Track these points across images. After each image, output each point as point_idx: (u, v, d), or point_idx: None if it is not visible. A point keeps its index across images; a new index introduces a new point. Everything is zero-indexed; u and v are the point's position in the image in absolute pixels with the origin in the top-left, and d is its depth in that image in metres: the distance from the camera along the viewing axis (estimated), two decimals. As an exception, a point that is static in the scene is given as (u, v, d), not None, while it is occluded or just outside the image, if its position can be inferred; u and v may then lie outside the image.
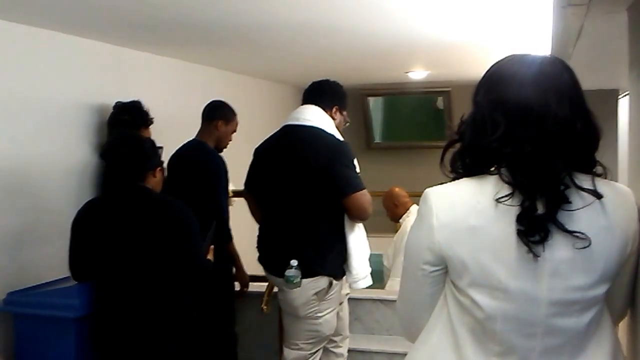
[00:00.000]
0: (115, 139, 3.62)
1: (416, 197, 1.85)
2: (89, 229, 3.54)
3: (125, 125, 4.47)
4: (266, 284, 4.92)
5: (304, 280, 3.86)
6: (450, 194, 1.73)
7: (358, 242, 4.01)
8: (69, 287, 3.74)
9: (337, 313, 4.14)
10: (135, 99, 4.63)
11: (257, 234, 4.21)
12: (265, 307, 4.81)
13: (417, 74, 7.32)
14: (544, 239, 1.58)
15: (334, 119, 4.12)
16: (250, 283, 4.94)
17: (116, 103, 4.63)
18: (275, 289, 4.81)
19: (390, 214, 5.96)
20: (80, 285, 3.64)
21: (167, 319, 3.48)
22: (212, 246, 3.87)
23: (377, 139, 9.66)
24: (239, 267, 4.80)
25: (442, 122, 9.01)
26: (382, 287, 5.74)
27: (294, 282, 3.83)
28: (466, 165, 1.73)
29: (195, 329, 3.61)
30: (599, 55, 2.98)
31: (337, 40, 4.95)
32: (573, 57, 2.86)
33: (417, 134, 9.64)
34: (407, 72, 7.20)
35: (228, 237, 4.63)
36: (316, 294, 3.92)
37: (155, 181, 3.61)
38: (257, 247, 4.18)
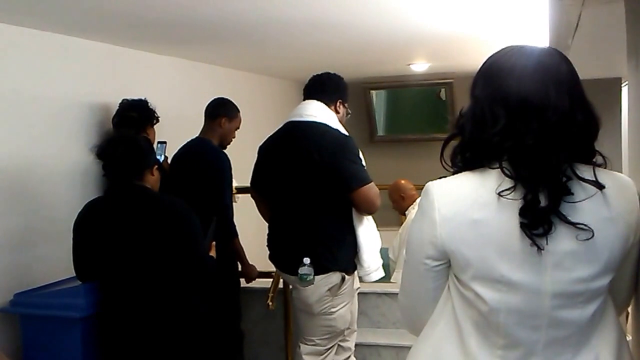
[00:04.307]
0: (111, 139, 3.61)
1: (420, 189, 1.85)
2: (91, 229, 3.55)
3: (130, 124, 4.48)
4: (271, 279, 4.93)
5: (317, 277, 3.86)
6: (452, 187, 1.72)
7: (368, 235, 4.00)
8: (74, 287, 3.75)
9: (348, 307, 4.15)
10: (125, 99, 4.63)
11: (267, 232, 4.21)
12: (270, 303, 4.81)
13: (419, 66, 7.30)
14: (547, 232, 1.58)
15: (337, 112, 4.11)
16: (256, 279, 4.95)
17: (122, 101, 4.63)
18: (281, 285, 4.84)
19: (396, 206, 5.96)
20: (85, 285, 3.65)
21: (171, 317, 3.49)
22: (213, 243, 3.86)
23: (380, 132, 9.64)
24: (245, 263, 4.80)
25: (445, 114, 8.99)
26: (389, 280, 5.73)
27: (308, 279, 3.83)
28: (466, 160, 1.73)
29: (201, 327, 3.62)
30: (599, 45, 2.97)
31: (339, 34, 4.94)
32: (573, 48, 2.86)
33: (420, 126, 9.62)
34: (408, 65, 7.19)
35: (233, 233, 4.64)
36: (329, 289, 3.93)
37: (153, 179, 3.61)
38: (268, 245, 4.18)
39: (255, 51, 5.75)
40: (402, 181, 5.94)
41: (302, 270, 3.83)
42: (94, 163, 3.66)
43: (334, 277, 3.93)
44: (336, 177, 3.83)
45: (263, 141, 4.21)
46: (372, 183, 3.91)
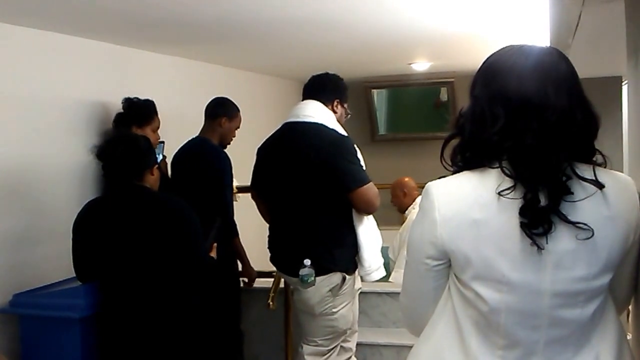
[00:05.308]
0: (110, 139, 3.61)
1: (422, 188, 1.86)
2: (91, 229, 3.55)
3: (121, 122, 4.48)
4: (272, 279, 4.92)
5: (318, 278, 3.85)
6: (452, 188, 1.72)
7: (368, 234, 4.00)
8: (74, 287, 3.75)
9: (350, 307, 4.15)
10: (136, 97, 4.62)
11: (268, 234, 4.21)
12: (271, 303, 4.81)
13: (420, 65, 7.31)
14: (547, 231, 1.58)
15: (335, 112, 4.10)
16: (256, 279, 4.95)
17: (126, 99, 4.61)
18: (282, 285, 4.83)
19: (397, 202, 5.96)
20: (85, 285, 3.65)
21: (171, 317, 3.49)
22: (215, 244, 3.86)
23: (382, 131, 9.63)
24: (245, 263, 4.80)
25: (446, 114, 8.99)
26: (388, 279, 5.73)
27: (309, 281, 3.82)
28: (466, 159, 1.73)
29: (201, 327, 3.61)
30: (600, 44, 2.97)
31: (340, 33, 4.95)
32: (573, 47, 2.86)
33: (422, 125, 9.61)
34: (410, 64, 7.19)
35: (233, 232, 4.64)
36: (330, 290, 3.92)
37: (153, 179, 3.61)
38: (269, 247, 4.18)
39: (256, 50, 5.75)
40: (406, 178, 5.96)
41: (303, 271, 3.82)
42: (93, 163, 3.66)
43: (335, 278, 3.93)
44: (334, 178, 3.82)
45: (261, 143, 4.20)
46: (371, 183, 3.90)
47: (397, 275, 5.58)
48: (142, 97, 4.63)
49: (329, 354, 4.08)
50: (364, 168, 3.95)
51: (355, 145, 3.98)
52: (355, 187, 3.83)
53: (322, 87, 4.12)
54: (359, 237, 3.96)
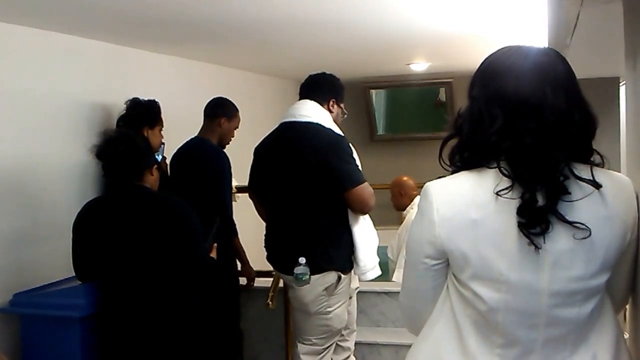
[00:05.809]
0: (109, 139, 3.58)
1: (421, 187, 1.87)
2: (91, 229, 3.55)
3: (128, 122, 4.48)
4: (271, 279, 4.93)
5: (313, 277, 3.87)
6: (451, 188, 1.73)
7: (364, 234, 4.01)
8: (74, 286, 3.75)
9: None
10: (138, 97, 4.61)
11: (265, 233, 4.22)
12: (270, 302, 4.82)
13: (419, 66, 7.31)
14: (544, 231, 1.58)
15: (331, 111, 4.11)
16: (256, 278, 4.95)
17: (133, 99, 4.60)
18: (281, 284, 4.84)
19: (394, 201, 5.95)
20: (85, 284, 3.65)
21: (171, 317, 3.49)
22: (215, 244, 3.86)
23: (380, 131, 9.64)
24: (245, 262, 4.81)
25: (445, 114, 8.99)
26: (387, 279, 5.73)
27: (303, 279, 3.84)
28: (465, 159, 1.73)
29: (200, 326, 3.62)
30: (598, 44, 2.97)
31: (339, 34, 4.95)
32: (571, 47, 2.86)
33: (420, 125, 9.62)
34: (408, 64, 7.19)
35: (233, 232, 4.64)
36: (325, 289, 3.94)
37: (152, 179, 3.60)
38: (265, 246, 4.19)
39: (255, 50, 5.75)
40: (405, 178, 5.94)
41: (298, 270, 3.84)
42: (93, 162, 3.66)
43: (330, 277, 3.94)
44: (330, 177, 3.84)
45: (258, 143, 4.21)
46: (366, 183, 3.92)
47: (400, 275, 5.56)
48: (142, 96, 4.62)
49: (324, 352, 4.09)
50: (360, 168, 3.96)
51: (350, 145, 3.99)
52: (351, 186, 3.85)
53: (318, 86, 4.14)
54: (355, 236, 3.97)
